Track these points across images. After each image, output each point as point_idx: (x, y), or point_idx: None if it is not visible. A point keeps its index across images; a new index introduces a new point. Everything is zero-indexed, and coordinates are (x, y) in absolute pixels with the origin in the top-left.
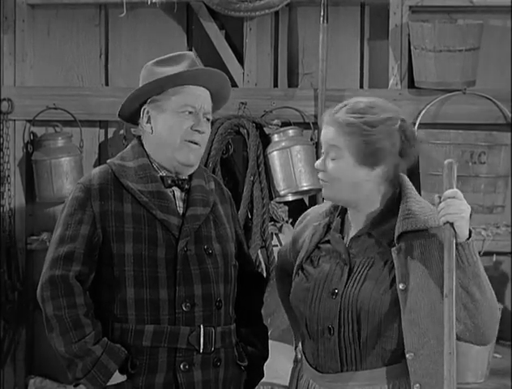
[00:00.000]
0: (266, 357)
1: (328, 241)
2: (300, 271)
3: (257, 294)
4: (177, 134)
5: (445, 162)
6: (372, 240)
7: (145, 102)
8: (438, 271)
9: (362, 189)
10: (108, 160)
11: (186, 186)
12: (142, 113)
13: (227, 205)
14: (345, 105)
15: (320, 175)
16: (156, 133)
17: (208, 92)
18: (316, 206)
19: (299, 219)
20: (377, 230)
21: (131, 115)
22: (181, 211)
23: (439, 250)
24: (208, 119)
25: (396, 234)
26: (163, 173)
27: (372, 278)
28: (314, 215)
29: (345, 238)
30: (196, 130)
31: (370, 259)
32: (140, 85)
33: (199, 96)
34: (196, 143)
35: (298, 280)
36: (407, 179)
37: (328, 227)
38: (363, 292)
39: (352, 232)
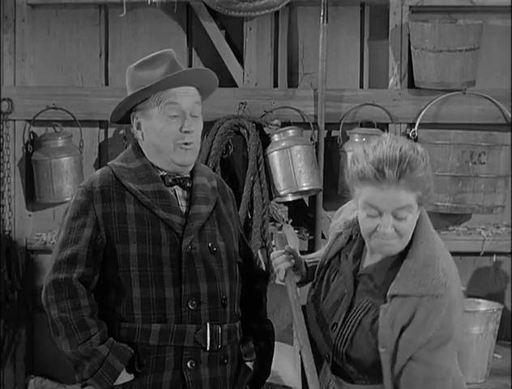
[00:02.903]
0: (271, 354)
1: (346, 256)
2: (317, 284)
3: (260, 291)
4: (167, 139)
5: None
6: (373, 283)
7: (132, 109)
8: (419, 336)
9: None
10: (109, 162)
11: (188, 185)
12: (132, 120)
13: (229, 204)
14: (390, 163)
15: (387, 236)
16: (148, 139)
17: (193, 88)
18: (347, 205)
19: (336, 212)
20: (380, 274)
21: (123, 119)
22: (183, 209)
23: (423, 316)
24: (196, 116)
25: (388, 293)
26: (163, 173)
27: (365, 326)
28: (345, 215)
29: (360, 261)
30: (185, 132)
31: (368, 303)
32: (127, 90)
33: (183, 97)
34: (189, 144)
35: (313, 297)
36: (425, 215)
37: (350, 237)
38: (355, 342)
39: (367, 260)
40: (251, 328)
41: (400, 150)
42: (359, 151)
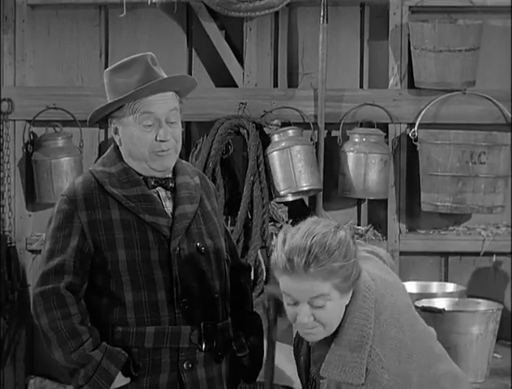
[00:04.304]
0: (262, 347)
1: None
2: None
3: (245, 284)
4: (144, 148)
5: None
6: (317, 355)
7: (110, 113)
8: None
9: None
10: (90, 168)
11: (171, 185)
12: (110, 124)
13: (213, 199)
14: (299, 252)
15: (307, 326)
16: (125, 145)
17: (170, 93)
18: None
19: None
20: (320, 349)
21: (102, 119)
22: (168, 210)
23: None
24: (173, 122)
25: (320, 373)
26: (144, 176)
27: None
28: None
29: None
30: (161, 141)
31: (313, 375)
32: (106, 92)
33: (158, 104)
34: (166, 150)
35: (295, 343)
36: (361, 291)
37: None
38: None
39: None
40: (240, 323)
41: (313, 238)
42: (279, 239)
